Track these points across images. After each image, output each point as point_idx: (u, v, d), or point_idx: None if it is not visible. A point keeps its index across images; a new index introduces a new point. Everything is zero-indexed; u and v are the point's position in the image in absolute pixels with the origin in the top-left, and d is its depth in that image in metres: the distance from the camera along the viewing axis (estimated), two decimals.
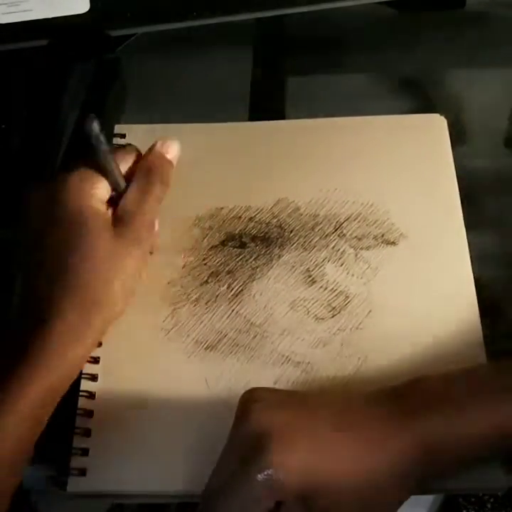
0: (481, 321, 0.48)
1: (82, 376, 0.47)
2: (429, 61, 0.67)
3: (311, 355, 0.48)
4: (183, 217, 0.54)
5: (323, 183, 0.55)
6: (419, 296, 0.50)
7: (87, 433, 0.46)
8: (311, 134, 0.58)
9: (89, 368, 0.48)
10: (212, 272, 0.52)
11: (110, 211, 0.47)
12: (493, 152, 0.61)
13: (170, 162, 0.51)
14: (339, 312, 0.49)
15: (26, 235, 0.47)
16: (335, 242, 0.52)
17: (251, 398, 0.42)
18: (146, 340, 0.49)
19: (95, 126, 0.43)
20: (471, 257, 0.51)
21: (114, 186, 0.47)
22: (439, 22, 0.67)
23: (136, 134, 0.58)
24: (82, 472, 0.44)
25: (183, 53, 0.67)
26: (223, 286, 0.51)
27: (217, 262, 0.52)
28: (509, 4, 0.67)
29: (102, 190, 0.46)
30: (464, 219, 0.53)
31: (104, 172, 0.46)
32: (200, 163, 0.57)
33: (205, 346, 0.48)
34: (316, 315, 0.49)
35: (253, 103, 0.62)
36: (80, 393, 0.47)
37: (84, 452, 0.45)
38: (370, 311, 0.49)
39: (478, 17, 0.67)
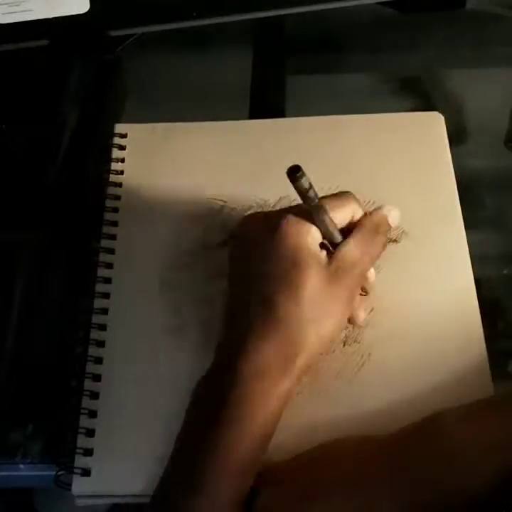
0: (481, 321, 0.48)
1: (86, 376, 0.48)
2: (429, 61, 0.67)
3: None
4: (184, 216, 0.54)
5: (323, 180, 0.55)
6: (420, 294, 0.50)
7: (90, 433, 0.46)
8: (310, 132, 0.58)
9: (92, 368, 0.48)
10: (214, 271, 0.52)
11: (324, 253, 0.45)
12: (492, 152, 0.61)
13: (390, 226, 0.48)
14: None
15: (234, 260, 0.47)
16: None
17: (262, 478, 0.42)
18: (147, 341, 0.49)
19: (305, 181, 0.41)
20: (471, 256, 0.51)
21: (327, 237, 0.45)
22: (439, 22, 0.68)
23: (136, 134, 0.59)
24: (87, 472, 0.44)
25: (183, 53, 0.67)
26: (225, 285, 0.51)
27: (219, 261, 0.52)
28: (509, 4, 0.67)
29: (317, 233, 0.45)
30: (464, 218, 0.53)
31: (316, 224, 0.44)
32: (200, 162, 0.57)
33: (206, 346, 0.48)
34: None
35: (253, 103, 0.63)
36: (84, 393, 0.47)
37: (88, 452, 0.45)
38: (372, 309, 0.49)
39: (478, 17, 0.67)
